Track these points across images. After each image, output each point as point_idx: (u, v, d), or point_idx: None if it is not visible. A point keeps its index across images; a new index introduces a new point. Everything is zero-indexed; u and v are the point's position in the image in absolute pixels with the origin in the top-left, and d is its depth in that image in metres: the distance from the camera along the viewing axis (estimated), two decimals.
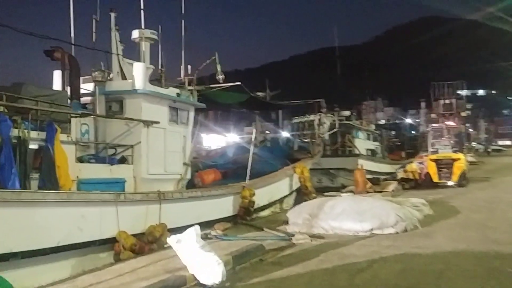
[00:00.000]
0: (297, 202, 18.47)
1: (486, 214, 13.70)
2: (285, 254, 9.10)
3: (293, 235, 10.43)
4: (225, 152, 22.94)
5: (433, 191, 21.06)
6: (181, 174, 14.80)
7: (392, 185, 21.23)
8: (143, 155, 13.00)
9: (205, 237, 11.28)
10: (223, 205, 14.66)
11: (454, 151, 23.81)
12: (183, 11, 16.01)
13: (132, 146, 12.82)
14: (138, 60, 14.01)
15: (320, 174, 28.13)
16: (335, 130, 24.17)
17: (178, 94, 14.61)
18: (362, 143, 32.37)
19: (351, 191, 19.88)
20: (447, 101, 39.18)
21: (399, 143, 45.05)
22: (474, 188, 21.56)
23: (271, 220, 14.08)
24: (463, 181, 22.72)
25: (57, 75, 12.85)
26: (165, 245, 10.89)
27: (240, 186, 15.47)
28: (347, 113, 32.33)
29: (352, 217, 11.15)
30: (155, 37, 14.52)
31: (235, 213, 14.98)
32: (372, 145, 35.19)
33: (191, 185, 16.91)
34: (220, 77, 15.94)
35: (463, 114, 40.19)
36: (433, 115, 40.34)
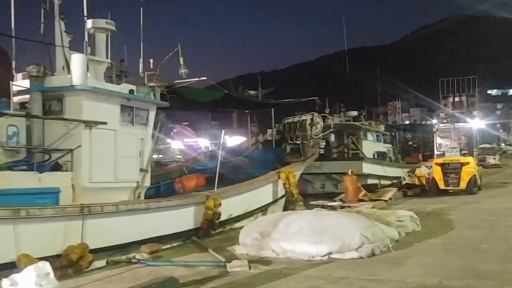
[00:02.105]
0: (285, 210, 16.73)
1: (485, 231, 11.40)
2: None
3: (230, 261, 8.46)
4: (215, 155, 21.14)
5: (437, 199, 18.66)
6: (137, 182, 13.07)
7: (390, 193, 18.96)
8: (84, 161, 11.33)
9: (128, 261, 9.51)
10: (180, 218, 12.77)
11: (463, 154, 21.38)
12: None
13: (71, 151, 11.14)
14: (94, 54, 12.45)
15: (324, 179, 26.10)
16: (330, 131, 21.99)
17: (131, 91, 12.86)
18: (371, 145, 30.13)
19: (341, 200, 17.77)
20: (456, 99, 35.88)
21: (416, 145, 42.44)
22: (484, 197, 19.04)
23: (231, 236, 12.10)
24: (474, 188, 20.25)
25: None
26: (85, 270, 9.20)
27: (204, 195, 13.59)
28: (354, 113, 30.21)
29: (308, 238, 9.06)
30: (112, 27, 12.97)
31: (198, 226, 13.18)
32: (384, 147, 32.80)
33: (171, 192, 15.34)
34: (183, 71, 14.19)
35: (475, 113, 36.84)
36: (442, 115, 37.23)
